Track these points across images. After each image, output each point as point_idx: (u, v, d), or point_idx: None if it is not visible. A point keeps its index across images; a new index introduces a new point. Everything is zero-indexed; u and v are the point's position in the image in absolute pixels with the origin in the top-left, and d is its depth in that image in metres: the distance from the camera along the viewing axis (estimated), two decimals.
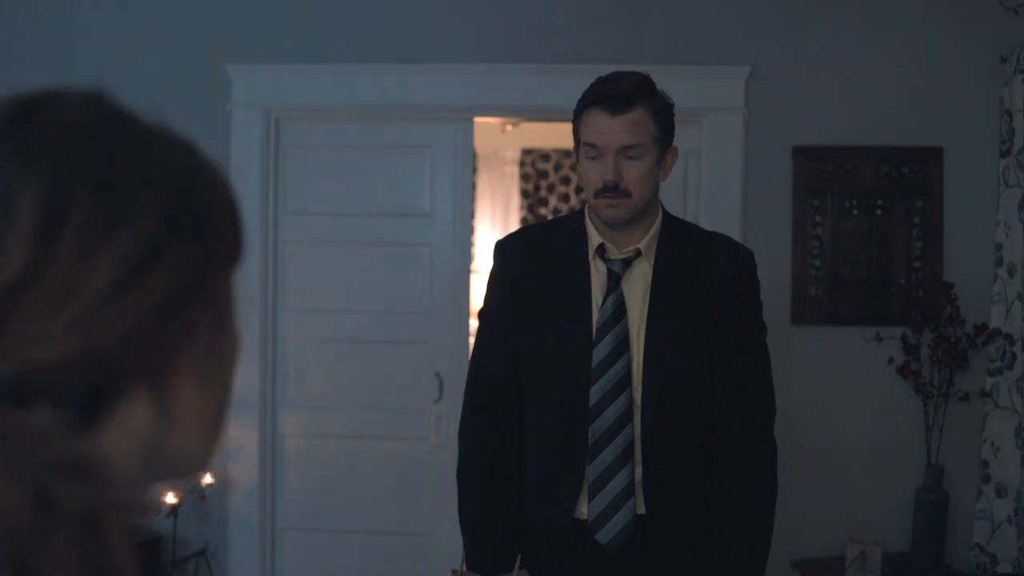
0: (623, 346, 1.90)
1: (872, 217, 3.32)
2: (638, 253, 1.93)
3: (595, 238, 1.94)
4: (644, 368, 1.89)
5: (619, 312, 1.91)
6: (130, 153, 0.53)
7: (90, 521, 0.45)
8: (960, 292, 3.20)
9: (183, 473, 0.58)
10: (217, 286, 0.56)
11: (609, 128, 1.84)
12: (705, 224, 2.82)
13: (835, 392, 3.31)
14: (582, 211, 2.01)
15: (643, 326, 1.91)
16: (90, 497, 0.45)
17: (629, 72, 1.90)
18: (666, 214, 2.00)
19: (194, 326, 0.54)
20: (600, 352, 1.90)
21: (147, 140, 0.54)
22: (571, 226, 2.00)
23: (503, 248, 2.04)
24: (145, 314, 0.50)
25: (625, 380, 1.89)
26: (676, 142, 1.97)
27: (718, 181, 3.33)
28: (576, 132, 1.93)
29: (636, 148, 1.84)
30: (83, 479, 0.45)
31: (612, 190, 1.85)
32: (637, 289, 1.93)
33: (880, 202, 3.32)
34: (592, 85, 1.90)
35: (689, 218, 3.24)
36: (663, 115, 1.90)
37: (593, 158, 1.87)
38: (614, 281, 1.92)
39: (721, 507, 1.91)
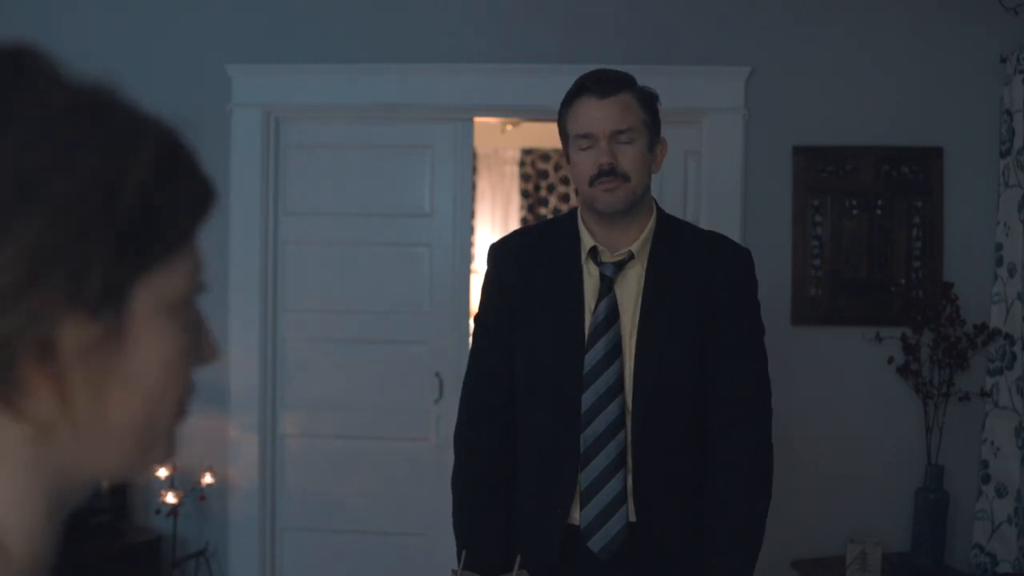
0: (615, 351, 1.87)
1: (872, 217, 3.32)
2: (631, 256, 1.90)
3: (588, 241, 1.92)
4: (635, 373, 1.87)
5: (612, 317, 1.88)
6: None
7: None
8: (960, 292, 3.20)
9: (107, 477, 0.56)
10: (96, 283, 0.51)
11: (600, 112, 1.84)
12: (705, 224, 2.82)
13: (835, 392, 3.31)
14: (574, 213, 1.98)
15: (635, 331, 1.88)
16: None
17: (610, 69, 1.92)
18: (660, 213, 1.97)
19: (47, 325, 0.49)
20: (592, 357, 1.87)
21: (14, 112, 0.50)
22: (563, 229, 1.97)
23: (495, 253, 2.02)
24: None
25: (617, 386, 1.87)
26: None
27: (718, 181, 3.33)
28: (564, 130, 1.92)
29: (628, 132, 1.84)
30: None
31: (609, 173, 1.83)
32: (630, 293, 1.90)
33: (880, 202, 3.32)
34: (576, 81, 1.91)
35: (689, 218, 3.24)
36: (649, 103, 1.91)
37: (585, 148, 1.86)
38: (607, 285, 1.90)
39: (713, 511, 1.89)
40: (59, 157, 0.50)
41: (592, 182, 1.85)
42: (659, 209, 1.97)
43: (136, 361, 0.54)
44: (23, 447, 0.51)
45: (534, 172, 6.52)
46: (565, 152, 1.95)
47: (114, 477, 0.56)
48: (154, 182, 0.53)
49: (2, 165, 0.49)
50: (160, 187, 0.53)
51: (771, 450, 1.94)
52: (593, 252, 1.92)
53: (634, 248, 1.90)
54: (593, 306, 1.90)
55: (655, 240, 1.92)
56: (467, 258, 3.52)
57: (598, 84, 1.85)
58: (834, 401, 3.32)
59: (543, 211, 6.52)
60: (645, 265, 1.91)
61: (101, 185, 0.51)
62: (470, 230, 3.57)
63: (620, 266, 1.90)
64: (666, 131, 3.34)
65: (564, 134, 1.93)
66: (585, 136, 1.86)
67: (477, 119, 3.52)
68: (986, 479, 3.18)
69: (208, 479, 3.36)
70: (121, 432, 0.55)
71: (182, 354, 0.57)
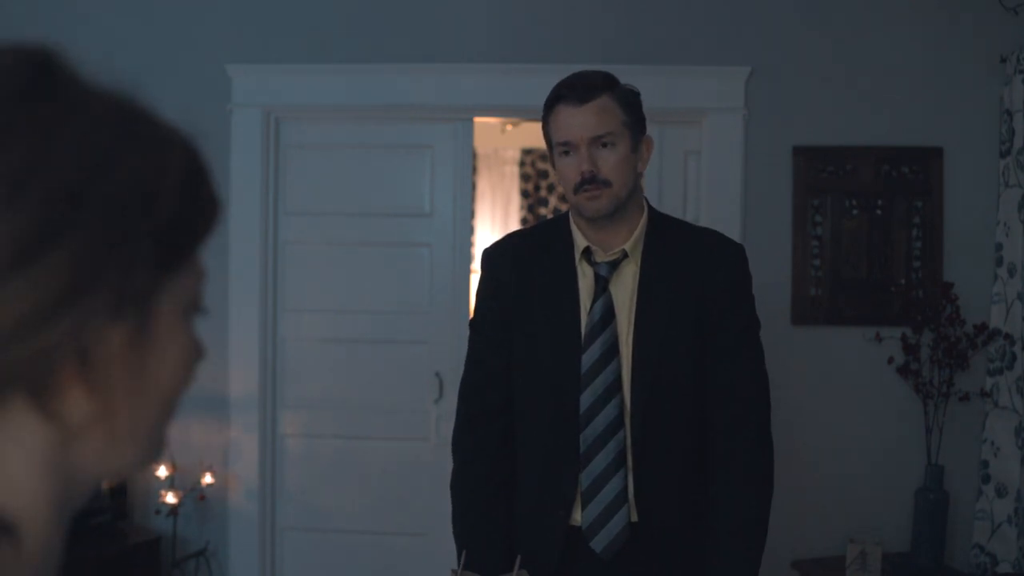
0: (612, 351, 1.87)
1: (872, 217, 3.32)
2: (624, 255, 1.90)
3: (581, 241, 1.92)
4: (633, 372, 1.87)
5: (607, 316, 1.88)
6: (21, 131, 0.49)
7: None
8: (960, 292, 3.20)
9: (114, 476, 0.56)
10: (134, 289, 0.51)
11: (577, 119, 1.84)
12: (705, 224, 2.82)
13: (835, 392, 3.31)
14: (567, 215, 1.99)
15: (631, 329, 1.88)
16: None
17: (589, 70, 1.91)
18: (652, 211, 1.97)
19: (90, 331, 0.50)
20: (589, 358, 1.87)
21: (54, 118, 0.50)
22: (557, 230, 1.98)
23: (489, 257, 2.02)
24: (17, 318, 0.47)
25: (615, 385, 1.86)
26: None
27: (718, 181, 3.33)
28: (548, 137, 1.93)
29: (608, 136, 1.83)
30: None
31: (590, 181, 1.83)
32: (625, 292, 1.90)
33: (880, 202, 3.32)
34: (553, 88, 1.90)
35: (689, 217, 3.25)
36: (630, 102, 1.89)
37: (566, 153, 1.87)
38: (601, 285, 1.90)
39: (715, 510, 1.89)
40: (102, 165, 0.51)
41: (576, 190, 1.85)
42: (650, 207, 1.97)
43: (159, 364, 0.55)
44: (49, 448, 0.52)
45: (534, 172, 6.52)
46: (551, 158, 1.95)
47: (118, 476, 0.56)
48: (184, 188, 0.54)
49: (50, 174, 0.49)
50: (187, 193, 0.55)
51: (771, 446, 1.94)
52: (586, 252, 1.92)
53: (627, 247, 1.90)
54: (588, 306, 1.90)
55: (648, 238, 1.92)
56: (467, 258, 3.52)
57: (574, 90, 1.85)
58: (834, 401, 3.31)
59: (543, 211, 6.52)
60: (639, 263, 1.91)
61: (141, 192, 0.52)
62: (470, 230, 3.57)
63: (614, 265, 1.90)
64: (666, 131, 3.38)
65: (548, 141, 1.93)
66: (565, 144, 1.86)
67: (477, 119, 3.52)
68: (986, 479, 3.18)
69: (208, 479, 3.36)
70: (139, 432, 0.56)
71: (190, 355, 0.58)
